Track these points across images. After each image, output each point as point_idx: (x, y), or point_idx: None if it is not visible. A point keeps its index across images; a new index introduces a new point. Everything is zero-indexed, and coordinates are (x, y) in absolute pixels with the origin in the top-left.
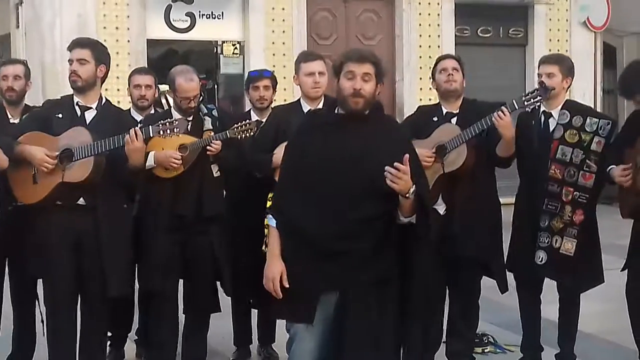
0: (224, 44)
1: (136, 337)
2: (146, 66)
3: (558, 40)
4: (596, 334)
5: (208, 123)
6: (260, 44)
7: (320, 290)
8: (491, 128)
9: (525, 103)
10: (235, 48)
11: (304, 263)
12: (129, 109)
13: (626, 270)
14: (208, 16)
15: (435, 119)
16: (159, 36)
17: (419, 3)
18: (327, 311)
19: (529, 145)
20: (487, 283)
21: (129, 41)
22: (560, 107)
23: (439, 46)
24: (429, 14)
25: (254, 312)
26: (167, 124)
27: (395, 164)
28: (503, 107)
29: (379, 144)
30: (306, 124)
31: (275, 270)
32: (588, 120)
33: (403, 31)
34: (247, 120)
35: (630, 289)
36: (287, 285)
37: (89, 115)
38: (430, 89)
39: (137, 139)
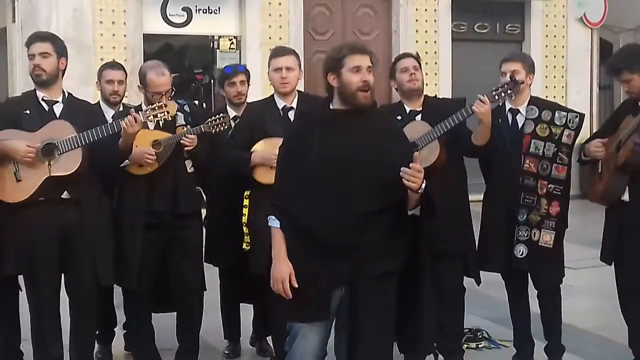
0: (220, 39)
1: (124, 331)
2: (116, 60)
3: (555, 36)
4: (590, 330)
5: (181, 119)
6: (256, 39)
7: (331, 286)
8: (461, 121)
9: (496, 97)
10: (232, 43)
11: (313, 261)
12: (98, 103)
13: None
14: (204, 11)
15: (399, 117)
16: (156, 31)
17: None
18: (332, 307)
19: (500, 142)
20: (482, 278)
21: (125, 36)
22: (526, 103)
23: (435, 42)
24: (426, 10)
25: (244, 307)
26: (157, 108)
27: (412, 164)
28: (480, 96)
29: (379, 137)
30: (301, 122)
31: (283, 272)
32: (557, 114)
33: (400, 27)
34: (221, 114)
35: (622, 289)
36: (297, 286)
37: (58, 109)
38: (426, 84)
39: (136, 122)
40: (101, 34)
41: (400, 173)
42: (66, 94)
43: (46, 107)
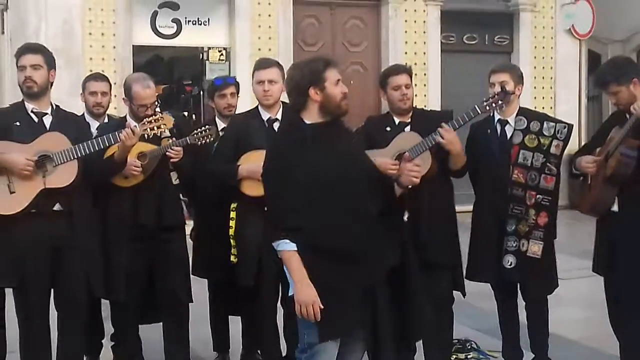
0: (210, 50)
1: (112, 343)
2: (105, 72)
3: (543, 47)
4: (579, 341)
5: (166, 130)
6: (246, 50)
7: (360, 294)
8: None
9: (487, 108)
10: (221, 54)
11: (341, 275)
12: (83, 115)
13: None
14: (194, 22)
15: (388, 128)
16: (145, 42)
17: (405, 10)
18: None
19: (489, 153)
20: (470, 289)
21: (114, 47)
22: (515, 114)
23: (424, 53)
24: (415, 21)
25: (233, 318)
26: (153, 121)
27: (415, 161)
28: (443, 125)
29: (354, 144)
30: (288, 143)
31: (311, 295)
32: (545, 124)
33: (389, 38)
34: (207, 126)
35: (611, 299)
36: (323, 307)
37: (47, 121)
38: (415, 95)
39: (134, 135)
40: (90, 45)
41: (405, 171)
42: (54, 106)
43: (36, 119)
